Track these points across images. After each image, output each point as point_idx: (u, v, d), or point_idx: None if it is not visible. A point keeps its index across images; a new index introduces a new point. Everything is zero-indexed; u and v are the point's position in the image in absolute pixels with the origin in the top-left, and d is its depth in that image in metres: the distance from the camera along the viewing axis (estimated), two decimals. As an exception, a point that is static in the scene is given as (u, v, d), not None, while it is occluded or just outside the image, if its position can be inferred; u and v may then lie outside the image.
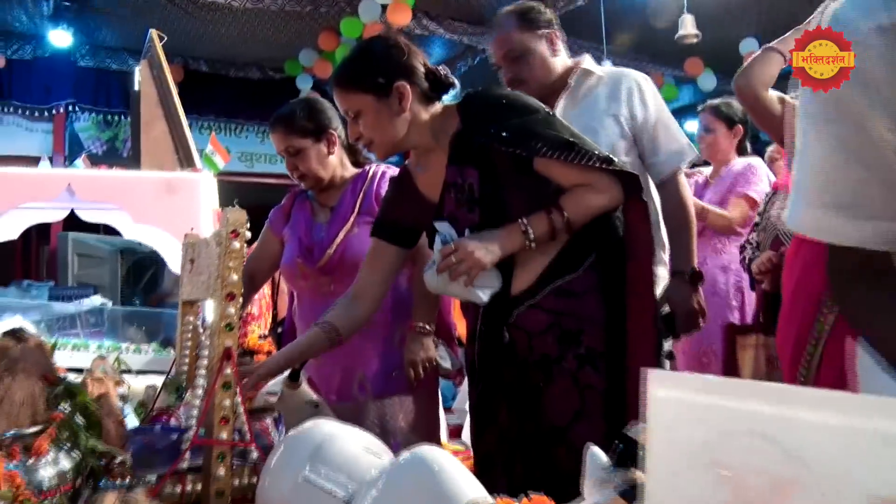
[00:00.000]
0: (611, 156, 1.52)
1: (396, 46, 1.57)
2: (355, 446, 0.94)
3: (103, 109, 7.24)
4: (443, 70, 1.62)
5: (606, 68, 2.08)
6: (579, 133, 1.53)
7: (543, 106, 1.55)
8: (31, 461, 1.04)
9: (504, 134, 1.47)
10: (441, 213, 1.63)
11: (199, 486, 1.25)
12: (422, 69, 1.58)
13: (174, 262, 4.27)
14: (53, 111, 7.08)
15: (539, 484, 1.48)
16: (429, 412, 2.00)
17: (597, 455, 0.60)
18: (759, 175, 3.00)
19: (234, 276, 1.16)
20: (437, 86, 1.59)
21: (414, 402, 1.95)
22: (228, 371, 1.16)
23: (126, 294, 6.09)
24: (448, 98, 1.66)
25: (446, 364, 1.91)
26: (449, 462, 0.75)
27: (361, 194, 2.00)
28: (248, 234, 1.19)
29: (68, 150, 7.16)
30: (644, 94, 1.95)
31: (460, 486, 0.72)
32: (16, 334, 1.34)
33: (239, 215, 1.17)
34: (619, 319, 1.52)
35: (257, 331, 3.14)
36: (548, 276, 1.54)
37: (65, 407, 1.19)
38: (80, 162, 6.84)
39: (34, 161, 6.89)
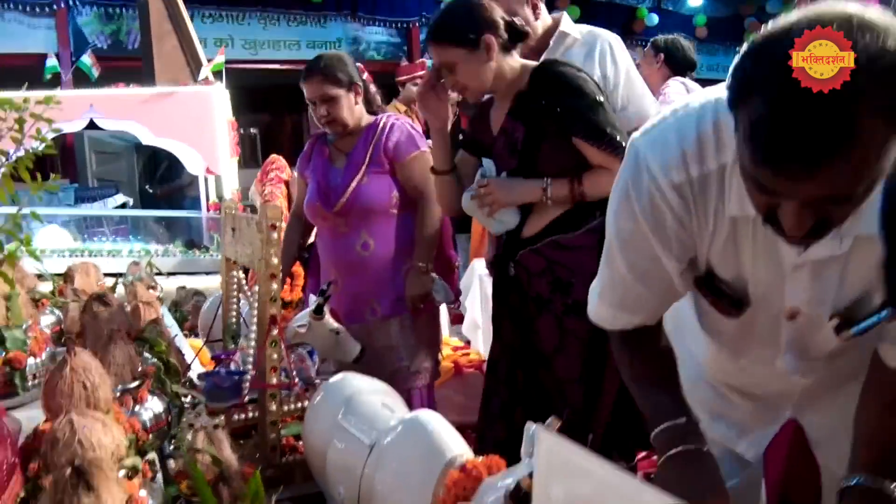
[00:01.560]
0: None
1: (480, 4, 1.85)
2: (376, 401, 1.30)
3: (104, 2, 7.24)
4: (519, 20, 1.90)
5: (581, 28, 2.28)
6: (617, 124, 1.82)
7: (596, 92, 1.82)
8: (137, 407, 1.41)
9: (556, 109, 1.79)
10: (490, 150, 1.97)
11: (256, 413, 1.64)
12: (502, 22, 1.86)
13: (192, 167, 4.55)
14: (54, 6, 7.08)
15: (531, 393, 1.88)
16: (430, 328, 2.38)
17: (531, 436, 0.95)
18: None
19: (275, 260, 1.48)
20: (515, 35, 1.87)
21: (416, 321, 2.31)
22: (275, 332, 1.51)
23: (145, 189, 6.40)
24: None
25: (440, 297, 2.26)
26: (441, 425, 1.11)
27: (372, 146, 2.28)
28: (284, 224, 1.50)
29: (73, 45, 7.23)
30: (615, 55, 2.20)
31: (447, 444, 1.07)
32: (102, 299, 1.69)
33: (275, 211, 1.48)
34: None
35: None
36: (551, 229, 1.87)
37: (150, 358, 1.55)
38: (86, 58, 6.93)
39: (40, 58, 6.98)
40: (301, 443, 1.57)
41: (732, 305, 1.09)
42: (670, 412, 1.08)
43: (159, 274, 3.62)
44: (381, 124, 2.32)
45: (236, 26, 7.87)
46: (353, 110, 2.29)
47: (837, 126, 0.75)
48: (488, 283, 2.60)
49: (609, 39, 2.22)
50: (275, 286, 1.50)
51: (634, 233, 1.05)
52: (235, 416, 1.61)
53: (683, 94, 3.32)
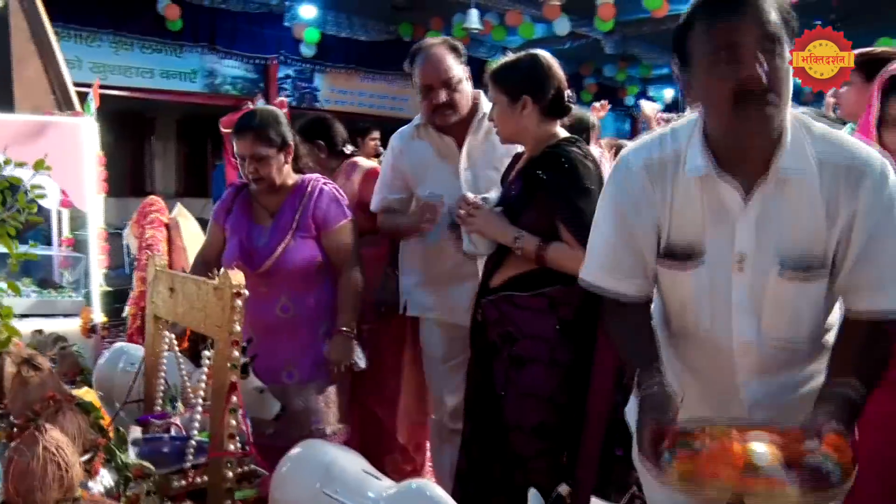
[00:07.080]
0: None
1: (542, 67, 1.99)
2: (356, 468, 1.33)
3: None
4: (568, 94, 2.03)
5: None
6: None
7: (593, 181, 1.92)
8: (90, 482, 1.33)
9: (549, 187, 1.93)
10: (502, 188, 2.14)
11: (199, 479, 1.57)
12: (552, 91, 1.98)
13: (53, 204, 4.21)
14: None
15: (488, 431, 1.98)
16: (345, 392, 2.36)
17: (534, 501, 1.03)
18: None
19: (237, 327, 1.47)
20: (557, 107, 2.01)
21: (332, 387, 2.31)
22: (234, 399, 1.48)
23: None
24: None
25: (361, 364, 2.27)
26: (446, 499, 1.16)
27: (300, 211, 2.28)
28: (247, 293, 1.49)
29: None
30: None
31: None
32: (31, 363, 1.58)
33: (240, 278, 1.46)
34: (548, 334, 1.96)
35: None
36: (510, 284, 2.00)
37: (96, 431, 1.46)
38: None
39: None
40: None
41: (688, 259, 1.29)
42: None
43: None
44: (308, 187, 2.32)
45: (85, 48, 7.40)
46: (282, 170, 2.29)
47: None
48: None
49: None
50: (236, 353, 1.48)
51: (613, 206, 1.37)
52: (175, 483, 1.54)
53: None
